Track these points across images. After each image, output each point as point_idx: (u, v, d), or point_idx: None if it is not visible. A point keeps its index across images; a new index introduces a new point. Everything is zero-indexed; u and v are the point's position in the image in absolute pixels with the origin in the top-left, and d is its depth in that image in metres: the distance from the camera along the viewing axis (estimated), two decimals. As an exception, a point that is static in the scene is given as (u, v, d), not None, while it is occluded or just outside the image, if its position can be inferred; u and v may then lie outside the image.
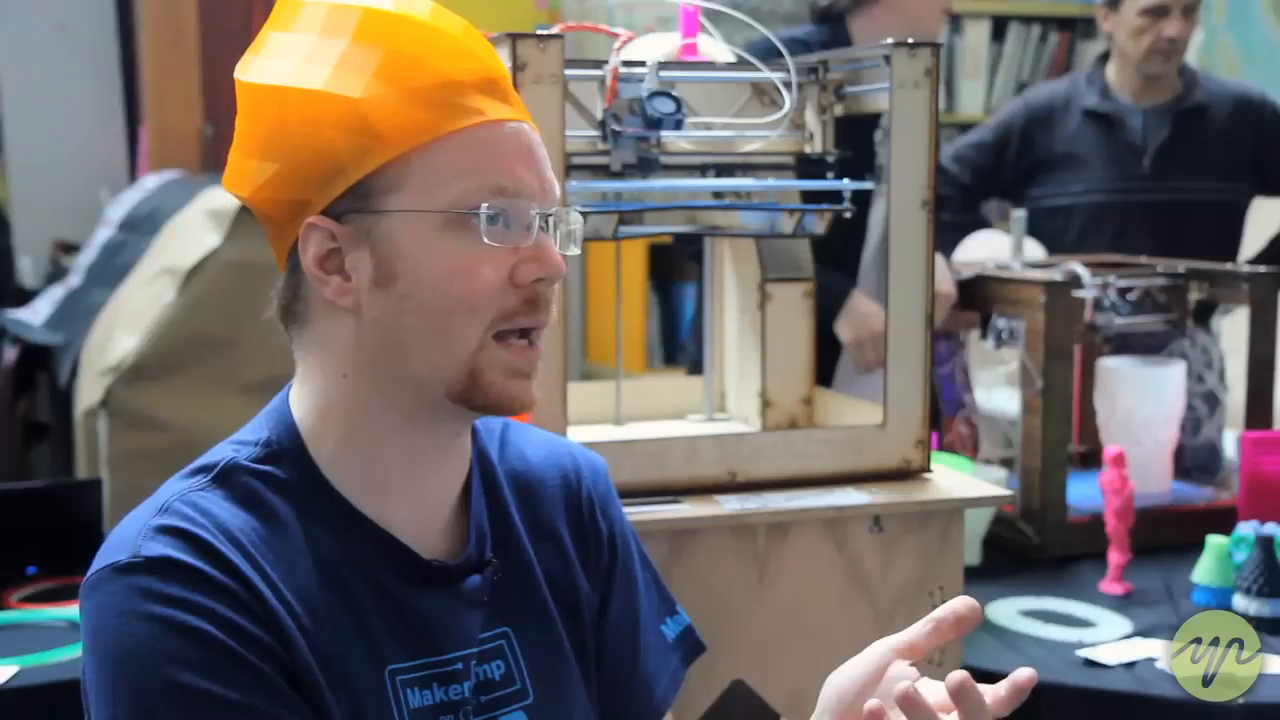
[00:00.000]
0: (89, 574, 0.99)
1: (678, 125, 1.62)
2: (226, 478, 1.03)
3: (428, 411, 1.05)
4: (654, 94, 1.61)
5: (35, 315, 3.53)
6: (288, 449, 1.05)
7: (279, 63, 1.04)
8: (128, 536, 0.99)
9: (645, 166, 1.64)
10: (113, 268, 3.36)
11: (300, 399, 1.08)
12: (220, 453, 1.06)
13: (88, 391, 2.93)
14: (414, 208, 1.01)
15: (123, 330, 2.91)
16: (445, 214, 1.00)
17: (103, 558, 0.99)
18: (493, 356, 1.03)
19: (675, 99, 1.62)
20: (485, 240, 1.01)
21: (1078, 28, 4.47)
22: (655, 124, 1.61)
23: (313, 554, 1.02)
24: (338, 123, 1.00)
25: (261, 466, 1.04)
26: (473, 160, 1.02)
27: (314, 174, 1.02)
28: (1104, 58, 2.99)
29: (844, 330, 2.39)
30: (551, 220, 1.05)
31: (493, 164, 1.02)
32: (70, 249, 4.14)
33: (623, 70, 1.61)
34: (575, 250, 1.10)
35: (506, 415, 1.08)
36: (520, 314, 1.03)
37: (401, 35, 1.02)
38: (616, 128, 1.61)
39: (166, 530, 0.98)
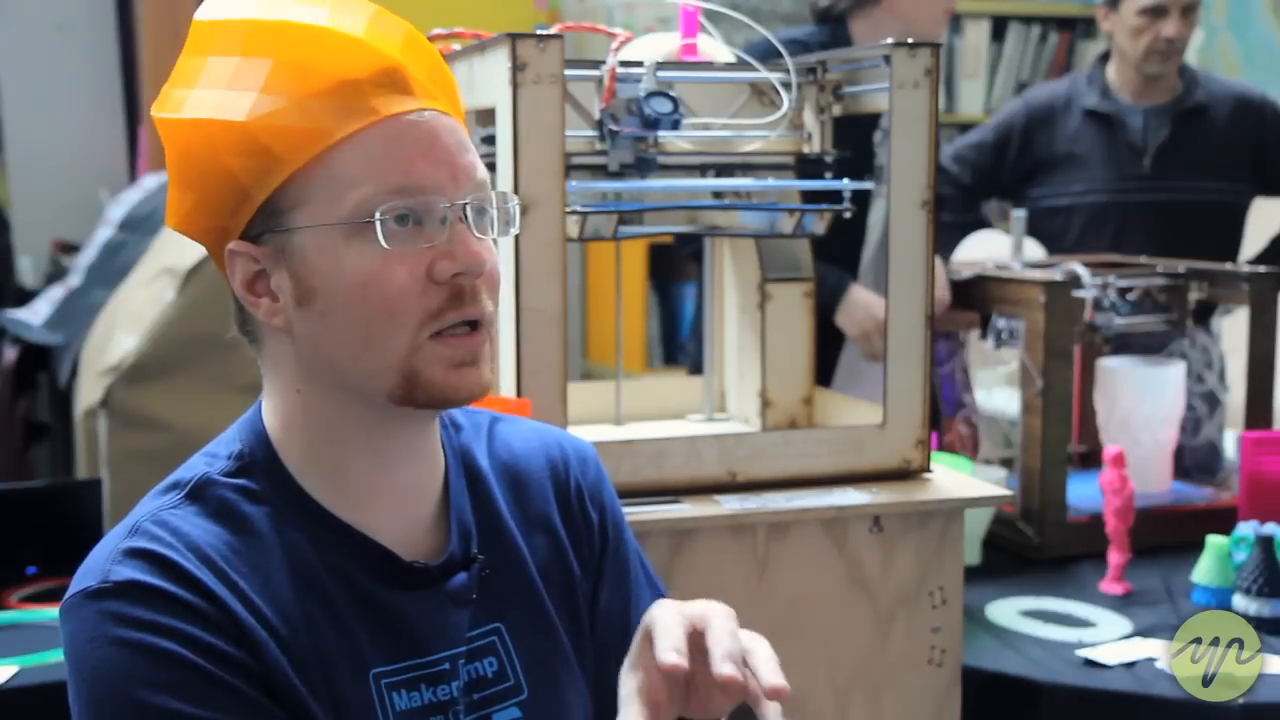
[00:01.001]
0: (64, 599, 1.00)
1: (675, 125, 1.62)
2: (199, 493, 1.03)
3: (381, 416, 1.04)
4: (651, 94, 1.61)
5: (35, 315, 3.54)
6: (260, 460, 1.05)
7: (180, 91, 1.03)
8: (99, 561, 1.00)
9: (643, 166, 1.64)
10: (112, 268, 3.37)
11: (268, 411, 1.08)
12: (193, 468, 1.06)
13: (87, 391, 2.93)
14: (317, 222, 0.99)
15: (122, 330, 2.91)
16: (348, 224, 0.99)
17: (76, 583, 0.99)
18: (430, 354, 1.01)
19: (672, 99, 1.62)
20: (385, 246, 0.98)
21: (1078, 28, 4.47)
22: (652, 124, 1.61)
23: (290, 563, 1.02)
24: (231, 148, 0.99)
25: (234, 480, 1.04)
26: (370, 164, 0.99)
27: (223, 201, 1.01)
28: (1104, 58, 2.99)
29: (846, 323, 2.39)
30: (469, 208, 1.02)
31: (391, 164, 0.99)
32: (70, 249, 4.14)
33: (620, 70, 1.61)
34: (513, 231, 1.08)
35: (456, 406, 1.07)
36: (448, 310, 1.01)
37: (288, 43, 1.00)
38: (614, 128, 1.61)
39: (134, 554, 0.98)
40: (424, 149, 1.01)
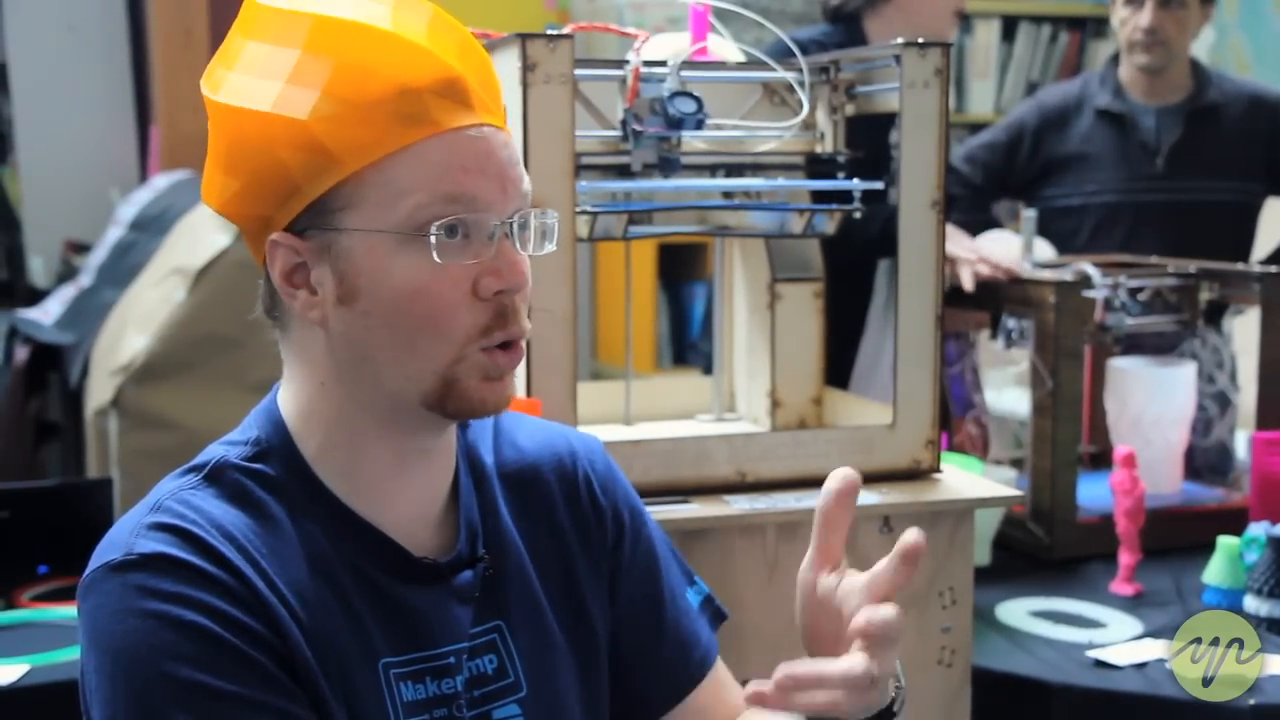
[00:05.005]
0: (85, 575, 1.00)
1: (699, 125, 1.62)
2: (218, 476, 1.04)
3: (405, 417, 1.05)
4: (675, 94, 1.61)
5: (46, 315, 3.54)
6: (277, 447, 1.06)
7: (236, 75, 1.03)
8: (121, 536, 1.00)
9: (666, 166, 1.64)
10: (123, 267, 3.37)
11: (286, 400, 1.09)
12: (211, 453, 1.07)
13: (98, 391, 2.94)
14: (369, 227, 1.00)
15: (133, 330, 2.92)
16: (399, 234, 1.00)
17: (98, 558, 1.00)
18: (472, 364, 1.02)
19: (696, 98, 1.61)
20: (437, 259, 0.99)
21: (1088, 27, 4.47)
22: (677, 124, 1.61)
23: (304, 549, 1.03)
24: (289, 143, 0.99)
25: (252, 465, 1.05)
26: (426, 175, 1.00)
27: (272, 192, 1.02)
28: (1116, 58, 2.98)
29: None
30: (514, 225, 1.03)
31: (447, 178, 1.00)
32: (81, 249, 4.15)
33: (643, 70, 1.61)
34: (550, 248, 1.09)
35: (481, 418, 1.09)
36: (495, 329, 1.02)
37: (352, 44, 1.00)
38: (638, 127, 1.61)
39: (159, 527, 0.99)
40: (479, 164, 1.01)
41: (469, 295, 1.01)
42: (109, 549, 0.99)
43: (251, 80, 1.02)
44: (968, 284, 2.24)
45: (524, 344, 1.06)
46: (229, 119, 1.03)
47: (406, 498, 1.08)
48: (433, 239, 0.99)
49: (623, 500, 1.23)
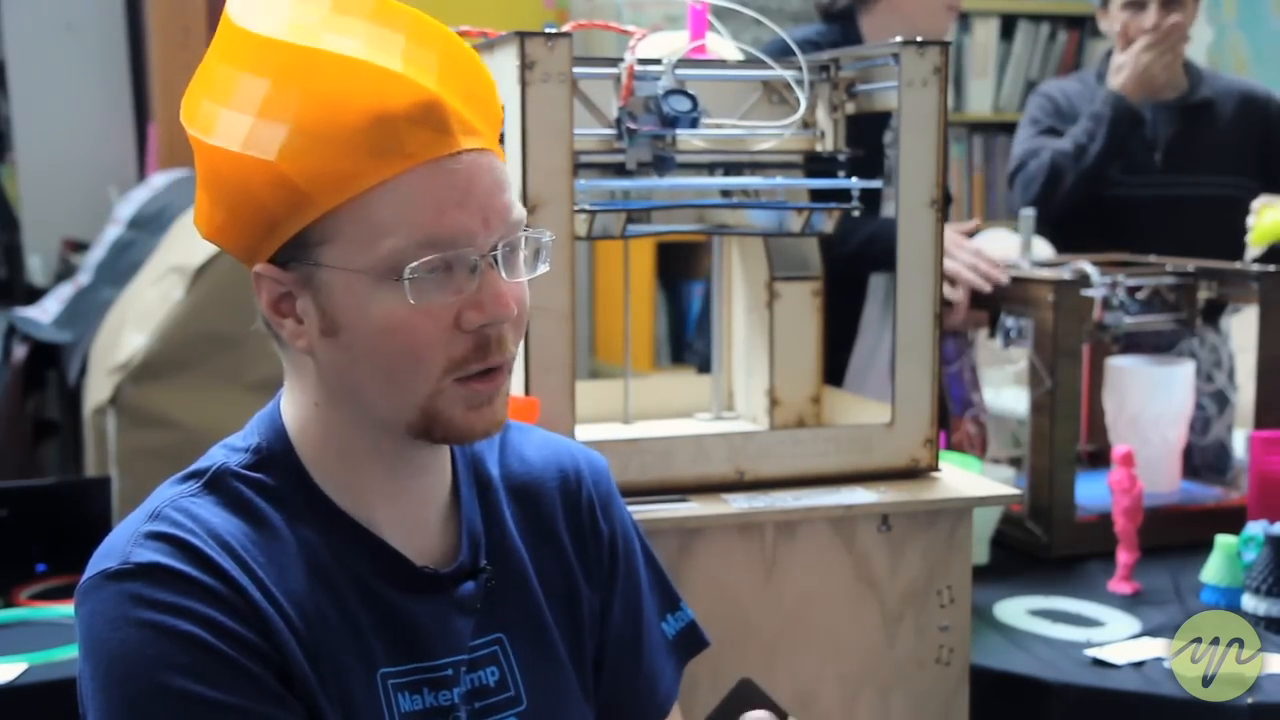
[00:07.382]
0: (82, 581, 1.00)
1: (694, 123, 1.61)
2: (218, 483, 1.04)
3: (396, 440, 1.05)
4: (670, 92, 1.61)
5: (44, 313, 3.54)
6: (278, 456, 1.06)
7: (210, 104, 1.01)
8: (118, 543, 1.00)
9: (660, 165, 1.64)
10: (121, 266, 3.37)
11: (287, 410, 1.08)
12: (212, 458, 1.06)
13: (97, 389, 2.94)
14: (347, 265, 0.98)
15: (132, 328, 2.92)
16: (376, 275, 0.97)
17: (94, 565, 0.99)
18: (452, 396, 1.01)
19: (691, 97, 1.61)
20: (412, 301, 0.97)
21: (1086, 26, 4.46)
22: (671, 122, 1.60)
23: (304, 558, 1.02)
24: (263, 182, 0.97)
25: (252, 473, 1.05)
26: (403, 213, 0.97)
27: (252, 226, 1.01)
28: (1112, 55, 2.98)
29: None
30: (499, 255, 1.00)
31: (425, 217, 0.97)
32: (79, 247, 4.15)
33: (638, 68, 1.61)
34: (543, 268, 1.07)
35: (470, 443, 1.09)
36: (472, 360, 1.01)
37: (322, 74, 0.96)
38: (632, 126, 1.61)
39: (156, 536, 0.99)
40: (459, 197, 0.98)
41: (450, 329, 1.00)
42: (106, 556, 0.99)
43: (225, 112, 0.99)
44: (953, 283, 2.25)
45: (508, 368, 1.04)
46: (207, 154, 1.01)
47: (404, 507, 1.08)
48: (407, 284, 0.97)
49: (620, 527, 1.23)
